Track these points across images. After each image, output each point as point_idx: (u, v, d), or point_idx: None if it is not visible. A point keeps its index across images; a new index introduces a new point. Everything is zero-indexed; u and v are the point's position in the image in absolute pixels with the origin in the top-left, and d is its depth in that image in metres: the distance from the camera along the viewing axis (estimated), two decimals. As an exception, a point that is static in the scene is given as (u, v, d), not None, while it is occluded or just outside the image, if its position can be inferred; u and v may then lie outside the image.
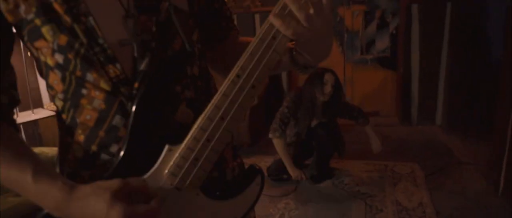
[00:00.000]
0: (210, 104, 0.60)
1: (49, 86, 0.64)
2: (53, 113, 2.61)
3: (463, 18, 3.25)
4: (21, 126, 2.61)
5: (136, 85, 0.61)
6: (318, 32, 0.56)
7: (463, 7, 3.24)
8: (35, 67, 0.69)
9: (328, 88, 2.52)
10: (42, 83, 2.93)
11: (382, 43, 3.88)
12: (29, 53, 0.68)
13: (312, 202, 2.40)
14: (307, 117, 2.60)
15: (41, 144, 2.63)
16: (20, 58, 2.64)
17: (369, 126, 2.73)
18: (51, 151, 2.22)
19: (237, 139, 2.33)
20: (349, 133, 3.24)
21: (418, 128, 3.73)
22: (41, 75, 0.67)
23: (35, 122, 2.63)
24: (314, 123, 2.66)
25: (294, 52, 0.66)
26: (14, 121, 0.64)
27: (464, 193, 2.36)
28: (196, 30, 0.71)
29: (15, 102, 0.64)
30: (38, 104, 2.75)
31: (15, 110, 0.68)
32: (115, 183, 0.54)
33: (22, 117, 2.50)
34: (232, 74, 0.58)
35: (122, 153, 0.61)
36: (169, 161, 0.61)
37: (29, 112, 2.60)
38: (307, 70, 0.69)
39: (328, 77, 2.53)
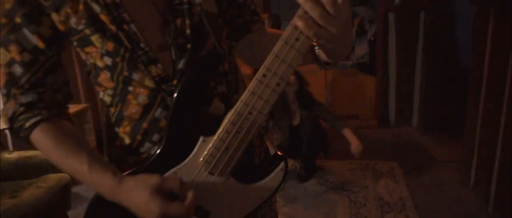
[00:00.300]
0: (239, 101, 0.67)
1: (98, 84, 0.74)
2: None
3: (436, 26, 3.48)
4: (8, 132, 2.62)
5: (175, 82, 0.70)
6: (336, 32, 0.60)
7: (436, 16, 3.47)
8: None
9: (291, 80, 2.70)
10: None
11: (361, 50, 4.08)
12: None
13: (300, 199, 2.52)
14: (284, 115, 2.75)
15: (27, 147, 2.64)
16: None
17: (347, 129, 2.81)
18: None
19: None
20: (332, 134, 3.39)
21: (395, 129, 3.92)
22: (88, 74, 0.75)
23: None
24: (296, 122, 2.80)
25: (316, 51, 0.72)
26: (70, 115, 0.73)
27: (440, 188, 2.55)
28: (225, 27, 0.78)
29: (69, 99, 0.75)
30: None
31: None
32: (154, 180, 0.63)
33: None
34: (259, 74, 0.65)
35: (163, 142, 0.70)
36: (203, 150, 0.70)
37: None
38: (328, 66, 0.75)
39: None
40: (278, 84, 0.65)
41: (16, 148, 2.54)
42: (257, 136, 0.85)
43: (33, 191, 1.99)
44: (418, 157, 3.09)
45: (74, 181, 2.27)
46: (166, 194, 0.63)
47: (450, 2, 3.38)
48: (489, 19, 2.09)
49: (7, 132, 2.57)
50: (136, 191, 0.63)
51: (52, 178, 2.10)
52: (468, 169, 2.49)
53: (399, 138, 3.67)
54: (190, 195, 0.64)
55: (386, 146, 3.45)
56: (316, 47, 0.72)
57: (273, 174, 0.75)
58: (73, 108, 3.04)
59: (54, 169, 2.19)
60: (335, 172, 2.88)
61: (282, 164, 0.75)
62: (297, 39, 0.62)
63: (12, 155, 2.25)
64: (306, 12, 0.58)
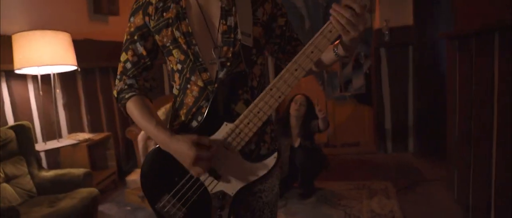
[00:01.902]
0: (253, 103, 1.01)
1: (173, 81, 1.16)
2: (74, 142, 3.00)
3: (423, 58, 3.85)
4: (43, 154, 2.99)
5: (215, 85, 1.07)
6: (358, 37, 0.91)
7: (422, 49, 3.84)
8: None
9: (301, 109, 3.07)
10: (62, 117, 3.34)
11: (358, 82, 4.42)
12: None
13: (300, 213, 2.79)
14: (285, 135, 3.08)
15: (59, 167, 2.98)
16: (49, 97, 3.08)
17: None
18: (77, 171, 2.60)
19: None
20: (333, 159, 3.67)
21: (393, 154, 4.19)
22: (169, 75, 1.22)
23: (56, 150, 3.01)
24: (296, 144, 3.12)
25: (335, 49, 1.03)
26: (151, 96, 1.17)
27: (428, 202, 2.79)
28: (260, 56, 1.13)
29: (153, 88, 1.19)
30: (59, 135, 3.13)
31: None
32: (193, 136, 1.00)
33: (50, 144, 2.89)
34: (268, 87, 0.99)
35: (202, 122, 1.08)
36: (224, 131, 1.05)
37: (55, 141, 2.99)
38: (347, 59, 1.04)
39: (298, 97, 3.12)
40: (280, 97, 1.00)
41: (50, 167, 2.89)
42: (269, 137, 1.17)
43: (68, 201, 2.31)
44: (411, 178, 3.34)
45: (101, 196, 2.59)
46: (197, 147, 0.99)
47: (434, 36, 3.76)
48: (456, 50, 2.44)
49: (42, 153, 2.93)
50: (181, 142, 1.00)
51: (83, 191, 2.43)
52: (452, 184, 2.74)
53: (396, 162, 3.92)
54: (214, 147, 1.01)
55: (383, 169, 3.71)
56: (336, 46, 1.02)
57: (269, 158, 1.07)
58: (97, 136, 3.41)
59: (84, 183, 2.53)
60: (333, 191, 3.15)
61: (275, 153, 1.07)
62: (295, 69, 0.98)
63: (49, 173, 2.60)
64: (332, 27, 0.92)
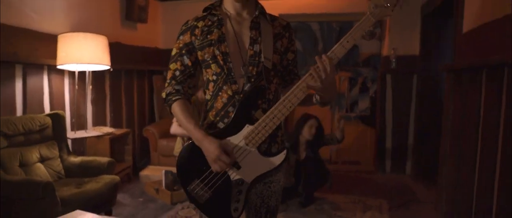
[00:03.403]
0: (269, 111, 1.25)
1: (207, 88, 1.40)
2: (100, 134, 3.31)
3: (426, 87, 4.10)
4: (70, 141, 3.29)
5: (241, 95, 1.32)
6: (327, 86, 1.20)
7: (425, 78, 4.09)
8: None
9: (312, 131, 3.33)
10: (89, 111, 3.66)
11: (364, 104, 4.69)
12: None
13: (298, 219, 3.03)
14: (290, 151, 3.35)
15: (84, 155, 3.28)
16: (82, 92, 3.40)
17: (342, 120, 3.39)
18: (102, 159, 2.89)
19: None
20: (334, 174, 3.90)
21: (391, 175, 4.41)
22: (203, 85, 1.44)
23: (83, 139, 3.32)
24: (302, 157, 3.37)
25: (315, 96, 1.31)
26: (190, 101, 1.41)
27: (417, 220, 3.02)
28: (276, 77, 1.40)
29: (193, 93, 1.43)
30: (85, 126, 3.45)
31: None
32: (222, 141, 1.27)
33: (79, 134, 3.20)
34: (282, 98, 1.25)
35: (228, 123, 1.32)
36: (246, 131, 1.28)
37: (83, 131, 3.30)
38: (325, 105, 1.33)
39: (312, 122, 3.35)
40: (290, 107, 1.25)
41: (76, 154, 3.18)
42: (280, 138, 1.42)
43: (93, 185, 2.60)
44: (405, 198, 3.56)
45: (121, 183, 2.87)
46: (223, 150, 1.24)
47: (437, 68, 4.02)
48: (452, 82, 2.70)
49: (69, 140, 3.24)
50: (212, 143, 1.24)
51: (106, 178, 2.72)
52: (441, 206, 2.96)
53: (393, 182, 4.14)
54: (233, 155, 1.27)
55: (380, 188, 3.93)
56: (315, 95, 1.31)
57: (279, 155, 1.33)
58: (118, 131, 3.72)
59: (108, 170, 2.82)
60: (331, 202, 3.39)
61: (284, 150, 1.35)
62: (304, 86, 1.24)
63: (77, 159, 2.90)
64: (311, 75, 1.21)
